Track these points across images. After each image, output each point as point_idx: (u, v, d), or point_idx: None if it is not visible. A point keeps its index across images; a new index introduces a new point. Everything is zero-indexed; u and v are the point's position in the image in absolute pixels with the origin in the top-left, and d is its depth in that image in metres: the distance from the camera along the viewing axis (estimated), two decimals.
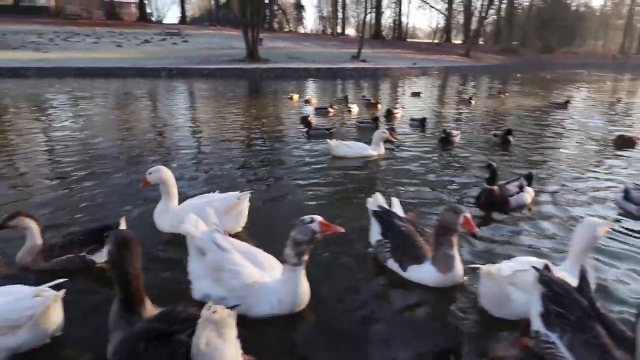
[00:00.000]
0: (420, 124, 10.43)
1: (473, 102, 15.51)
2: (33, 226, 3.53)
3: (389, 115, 12.07)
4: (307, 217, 2.86)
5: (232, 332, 2.15)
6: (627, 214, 4.97)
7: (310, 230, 2.80)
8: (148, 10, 64.25)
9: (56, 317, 2.64)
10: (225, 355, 2.10)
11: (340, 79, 29.14)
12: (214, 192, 4.51)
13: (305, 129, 9.52)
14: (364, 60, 38.08)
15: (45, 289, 2.61)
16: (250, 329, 2.74)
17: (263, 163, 7.30)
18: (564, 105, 14.85)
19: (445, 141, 8.51)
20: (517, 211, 5.04)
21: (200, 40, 43.59)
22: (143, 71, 27.43)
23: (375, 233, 3.83)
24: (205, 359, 2.04)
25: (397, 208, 4.06)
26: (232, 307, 2.19)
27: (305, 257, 2.89)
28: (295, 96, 16.01)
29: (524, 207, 5.12)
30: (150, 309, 2.44)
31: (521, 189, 5.16)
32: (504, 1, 68.57)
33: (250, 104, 15.24)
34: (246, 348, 2.38)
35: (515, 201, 5.06)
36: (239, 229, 4.35)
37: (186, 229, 3.08)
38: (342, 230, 2.88)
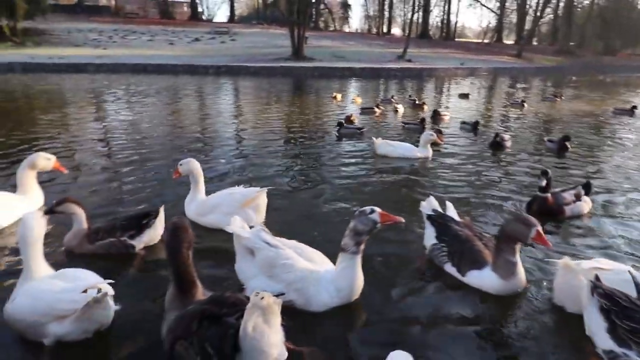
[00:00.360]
0: (472, 127, 10.02)
1: (526, 105, 14.77)
2: (79, 212, 3.71)
3: (436, 116, 11.75)
4: (367, 208, 2.93)
5: (277, 319, 2.23)
6: None
7: (371, 221, 2.88)
8: (199, 10, 66.73)
9: (100, 315, 2.59)
10: (270, 340, 2.19)
11: (384, 79, 28.80)
12: (239, 185, 4.63)
13: (336, 128, 9.45)
14: (409, 60, 37.41)
15: (96, 284, 2.57)
16: (294, 319, 2.79)
17: (303, 160, 7.34)
18: (630, 111, 13.75)
19: (497, 145, 8.16)
20: (572, 220, 4.76)
21: (247, 39, 44.62)
22: (193, 68, 28.48)
23: (430, 237, 3.75)
24: (251, 343, 2.13)
25: (452, 212, 3.96)
26: (277, 295, 2.25)
27: (363, 246, 2.96)
28: (339, 95, 15.99)
29: (580, 217, 4.83)
30: (202, 293, 2.60)
31: (578, 198, 4.86)
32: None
33: (293, 102, 15.39)
34: (289, 337, 2.44)
35: (571, 210, 4.78)
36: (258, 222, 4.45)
37: (233, 230, 3.14)
38: (402, 220, 2.94)
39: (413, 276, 3.55)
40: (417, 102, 14.31)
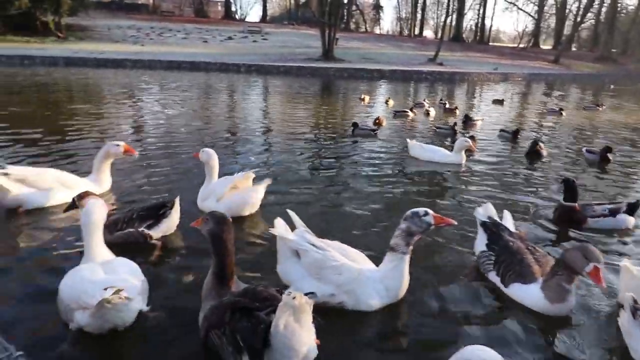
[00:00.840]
0: (512, 136, 9.55)
1: (564, 113, 14.23)
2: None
3: (467, 121, 11.49)
4: (420, 210, 2.99)
5: (308, 317, 2.26)
6: None
7: (425, 223, 2.96)
8: (233, 9, 67.89)
9: (113, 317, 2.52)
10: (301, 339, 2.22)
11: (415, 82, 28.42)
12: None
13: (351, 128, 9.48)
14: (440, 64, 36.79)
15: (115, 285, 2.48)
16: (339, 316, 2.87)
17: (329, 159, 7.37)
18: None
19: (535, 154, 7.89)
20: (609, 233, 4.61)
21: (278, 39, 45.04)
22: (225, 66, 28.98)
23: (480, 244, 3.68)
24: (282, 340, 2.17)
25: (509, 222, 3.85)
26: (308, 294, 2.29)
27: (412, 247, 3.04)
28: (367, 97, 15.85)
29: (614, 232, 4.63)
30: (236, 285, 2.69)
31: (614, 213, 4.65)
32: (605, 4, 62.15)
33: (321, 102, 15.42)
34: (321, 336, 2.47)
35: (595, 223, 4.65)
36: (246, 213, 4.56)
37: (277, 232, 3.16)
38: (455, 222, 3.05)
39: (458, 281, 3.51)
40: (447, 106, 14.05)
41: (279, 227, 3.21)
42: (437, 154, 7.31)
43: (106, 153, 4.96)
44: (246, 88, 19.73)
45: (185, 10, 66.62)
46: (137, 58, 28.53)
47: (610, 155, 7.66)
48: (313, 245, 3.07)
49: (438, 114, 13.34)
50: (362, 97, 15.77)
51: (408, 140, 7.67)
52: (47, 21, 35.77)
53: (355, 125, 9.40)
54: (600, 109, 16.22)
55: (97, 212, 2.95)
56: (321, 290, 2.94)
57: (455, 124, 10.17)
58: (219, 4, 71.26)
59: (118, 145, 4.96)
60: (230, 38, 44.26)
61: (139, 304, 2.65)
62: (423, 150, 7.41)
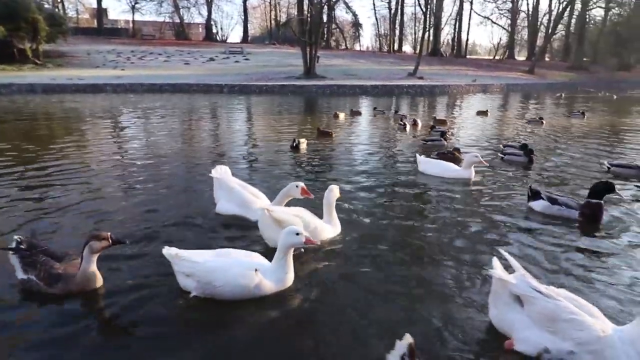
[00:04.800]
0: (526, 153, 8.39)
1: (544, 122, 14.61)
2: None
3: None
4: None
5: None
6: None
7: None
8: (214, 31, 68.38)
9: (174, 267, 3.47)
10: None
11: (396, 96, 28.85)
12: None
13: (293, 144, 9.67)
14: (421, 77, 37.52)
15: (182, 254, 3.44)
16: None
17: (319, 174, 7.29)
18: None
19: (529, 162, 8.07)
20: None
21: (260, 58, 45.42)
22: (207, 87, 28.98)
23: None
24: None
25: None
26: None
27: None
28: (341, 115, 15.75)
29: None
30: None
31: None
32: (574, 16, 64.68)
33: (303, 120, 15.46)
34: None
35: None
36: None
37: (496, 275, 2.88)
38: None
39: None
40: (437, 118, 14.33)
41: (497, 268, 2.91)
42: (446, 169, 7.24)
43: (287, 193, 4.88)
44: (229, 108, 19.69)
45: (165, 33, 66.90)
46: (118, 82, 28.34)
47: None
48: (540, 292, 2.76)
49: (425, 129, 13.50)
50: (336, 114, 15.72)
51: (417, 155, 7.68)
52: (24, 49, 35.35)
53: (294, 141, 9.62)
54: (585, 118, 16.52)
55: (288, 238, 3.52)
56: (556, 345, 2.64)
57: (444, 132, 10.20)
58: (200, 26, 71.83)
59: (297, 186, 4.85)
60: (212, 59, 44.43)
61: (186, 283, 3.44)
62: (431, 166, 7.37)
